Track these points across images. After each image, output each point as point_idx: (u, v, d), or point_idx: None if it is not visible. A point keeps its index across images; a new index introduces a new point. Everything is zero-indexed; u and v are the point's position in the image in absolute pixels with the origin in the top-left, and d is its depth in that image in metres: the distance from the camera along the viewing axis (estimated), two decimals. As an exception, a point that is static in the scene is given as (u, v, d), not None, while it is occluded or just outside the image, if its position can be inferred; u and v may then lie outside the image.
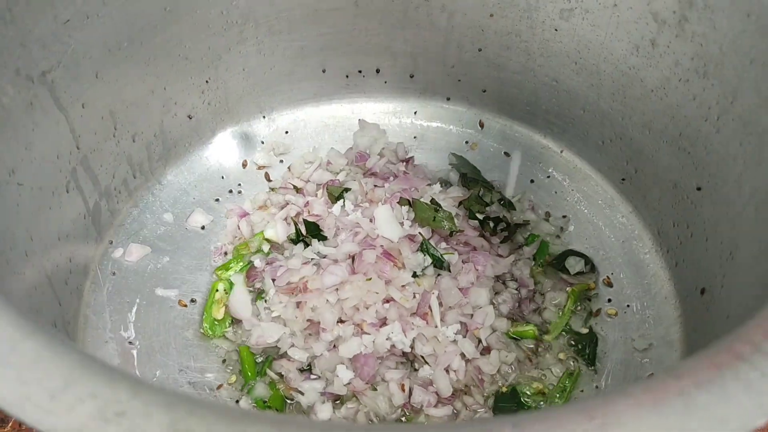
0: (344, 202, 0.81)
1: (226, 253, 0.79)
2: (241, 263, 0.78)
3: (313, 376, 0.70)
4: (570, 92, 0.84)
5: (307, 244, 0.77)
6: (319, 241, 0.77)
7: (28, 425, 0.29)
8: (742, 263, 0.62)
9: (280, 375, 0.70)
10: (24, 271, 0.58)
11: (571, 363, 0.72)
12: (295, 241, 0.78)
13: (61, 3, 0.63)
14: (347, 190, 0.82)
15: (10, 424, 0.70)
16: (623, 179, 0.83)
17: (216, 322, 0.73)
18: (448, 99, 0.92)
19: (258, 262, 0.77)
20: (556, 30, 0.80)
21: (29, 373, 0.31)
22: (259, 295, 0.75)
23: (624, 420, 0.30)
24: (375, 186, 0.84)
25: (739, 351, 0.33)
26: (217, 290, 0.75)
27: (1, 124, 0.57)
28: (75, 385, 0.31)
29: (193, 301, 0.76)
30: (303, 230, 0.78)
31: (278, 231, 0.79)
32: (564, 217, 0.84)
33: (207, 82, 0.83)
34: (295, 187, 0.85)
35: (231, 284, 0.76)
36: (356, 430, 0.30)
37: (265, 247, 0.79)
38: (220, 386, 0.70)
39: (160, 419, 0.29)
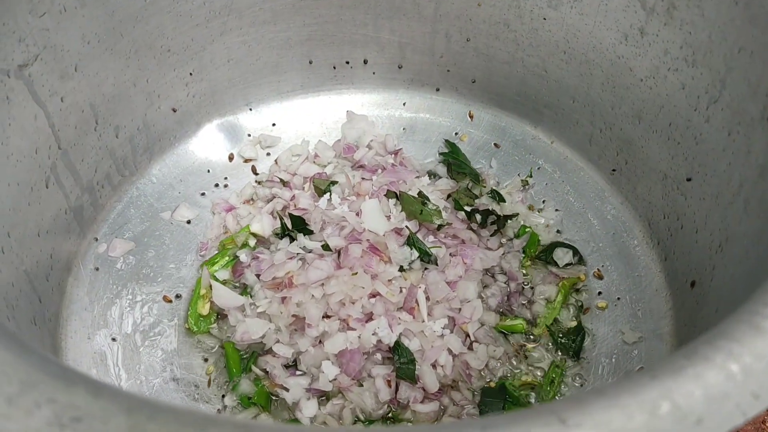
0: (330, 195, 0.80)
1: (212, 248, 0.78)
2: (227, 258, 0.77)
3: (298, 372, 0.69)
4: (560, 82, 0.83)
5: (292, 239, 0.76)
6: (304, 235, 0.76)
7: (-16, 431, 0.29)
8: (731, 255, 0.61)
9: (265, 371, 0.69)
10: (0, 268, 0.57)
11: (558, 356, 0.71)
12: (280, 236, 0.77)
13: (37, -6, 0.62)
14: (334, 183, 0.81)
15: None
16: (613, 170, 0.81)
17: (201, 318, 0.72)
18: (437, 90, 0.91)
19: (244, 256, 0.76)
20: (544, 19, 0.79)
21: (-14, 377, 0.30)
22: (244, 290, 0.74)
23: (596, 420, 0.29)
24: (363, 179, 0.83)
25: (717, 346, 0.32)
26: (201, 285, 0.74)
27: (-25, 119, 0.56)
28: (33, 390, 0.30)
29: (178, 296, 0.75)
30: (289, 224, 0.77)
31: (264, 225, 0.78)
32: (556, 210, 0.83)
33: (191, 74, 0.82)
34: (281, 180, 0.84)
35: (216, 279, 0.75)
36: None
37: (252, 242, 0.78)
38: (207, 382, 0.69)
39: (118, 424, 0.29)
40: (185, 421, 0.29)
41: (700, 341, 0.34)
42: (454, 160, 0.86)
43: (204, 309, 0.72)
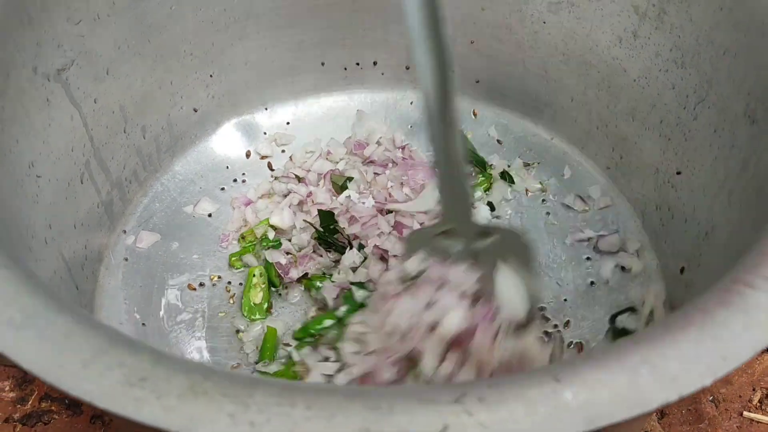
0: (350, 192, 0.85)
1: (232, 240, 0.83)
2: (253, 253, 0.81)
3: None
4: (559, 82, 0.88)
5: (327, 242, 0.80)
6: (332, 234, 0.80)
7: (64, 391, 0.34)
8: (716, 243, 0.66)
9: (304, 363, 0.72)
10: (45, 258, 0.63)
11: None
12: (326, 245, 0.81)
13: (73, 5, 0.67)
14: (350, 179, 0.86)
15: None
16: (608, 167, 0.87)
17: (255, 305, 0.77)
18: (443, 89, 0.96)
19: (278, 257, 0.80)
20: (544, 23, 0.84)
21: (63, 345, 0.35)
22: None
23: (585, 379, 0.34)
24: (375, 174, 0.88)
25: (692, 320, 0.37)
26: (254, 275, 0.78)
27: (20, 121, 0.61)
28: (103, 356, 0.35)
29: (201, 284, 0.80)
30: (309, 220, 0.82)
31: (284, 218, 0.83)
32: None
33: (211, 76, 0.87)
34: (296, 176, 0.89)
35: (268, 266, 0.79)
36: (363, 392, 0.34)
37: (271, 234, 0.83)
38: (234, 366, 0.73)
39: (179, 383, 0.34)
40: (236, 380, 0.34)
41: (677, 314, 0.39)
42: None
43: (257, 297, 0.77)
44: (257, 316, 0.77)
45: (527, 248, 0.70)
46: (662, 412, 0.74)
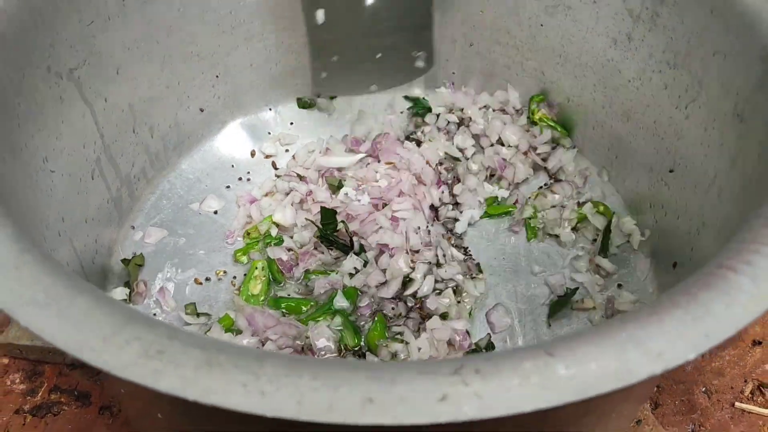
0: (347, 190, 0.87)
1: (237, 236, 0.85)
2: (257, 249, 0.84)
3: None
4: (556, 83, 0.90)
5: (328, 240, 0.82)
6: (331, 231, 0.82)
7: (87, 363, 0.36)
8: (707, 238, 0.68)
9: None
10: (58, 249, 0.65)
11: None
12: (327, 241, 0.82)
13: (85, 6, 0.70)
14: (343, 181, 0.88)
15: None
16: (604, 167, 0.89)
17: (251, 295, 0.79)
18: (443, 91, 0.98)
19: (279, 253, 0.82)
20: (541, 25, 0.87)
21: (84, 322, 0.38)
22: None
23: (576, 354, 0.36)
24: (367, 164, 0.89)
25: (676, 301, 0.40)
26: (256, 268, 0.80)
27: (35, 117, 0.64)
28: (122, 331, 0.37)
29: (207, 279, 0.82)
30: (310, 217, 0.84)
31: (286, 215, 0.85)
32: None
33: (217, 77, 0.89)
34: (299, 175, 0.91)
35: (270, 262, 0.81)
36: (367, 365, 0.36)
37: (273, 231, 0.85)
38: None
39: (195, 355, 0.36)
40: (247, 354, 0.36)
41: (663, 297, 0.41)
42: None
43: (256, 289, 0.79)
44: (252, 303, 0.78)
45: None
46: (656, 403, 0.76)
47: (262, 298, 0.79)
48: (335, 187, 0.88)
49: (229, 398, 0.34)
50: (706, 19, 0.68)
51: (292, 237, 0.84)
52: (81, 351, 0.36)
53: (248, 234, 0.85)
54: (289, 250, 0.83)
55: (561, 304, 0.78)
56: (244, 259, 0.83)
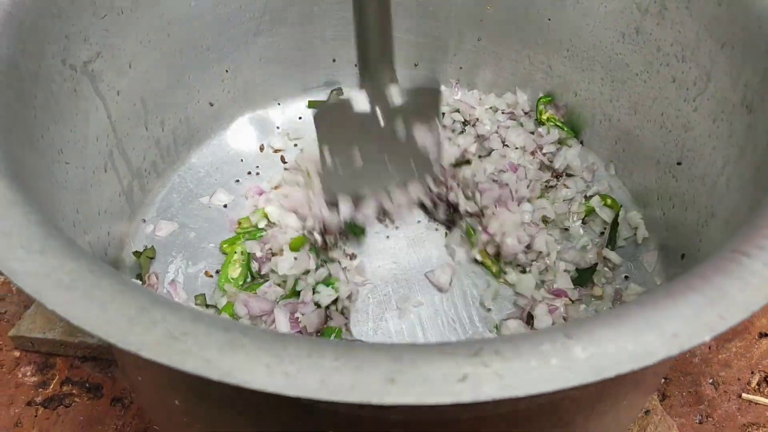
0: None
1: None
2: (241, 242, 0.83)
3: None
4: (563, 77, 0.91)
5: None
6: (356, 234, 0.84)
7: (113, 344, 0.36)
8: (715, 229, 0.68)
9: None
10: (73, 240, 0.65)
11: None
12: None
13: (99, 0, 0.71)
14: None
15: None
16: (611, 160, 0.89)
17: (231, 279, 0.79)
18: (450, 85, 0.99)
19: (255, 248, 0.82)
20: (549, 19, 0.87)
21: (110, 304, 0.38)
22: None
23: (594, 336, 0.37)
24: None
25: (691, 284, 0.40)
26: (236, 252, 0.81)
27: (50, 109, 0.64)
28: (147, 313, 0.38)
29: (217, 272, 0.82)
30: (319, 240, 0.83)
31: (274, 209, 0.85)
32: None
33: (227, 71, 0.90)
34: (307, 170, 0.91)
35: (246, 255, 0.81)
36: (388, 346, 0.37)
37: (262, 223, 0.85)
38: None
39: (218, 338, 0.36)
40: (270, 336, 0.37)
41: (678, 281, 0.42)
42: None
43: (235, 272, 0.80)
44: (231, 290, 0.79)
45: (435, 96, 0.80)
46: (663, 394, 0.76)
47: (241, 282, 0.79)
48: None
49: (253, 379, 0.35)
50: (714, 12, 0.69)
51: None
52: (107, 333, 0.37)
53: (240, 224, 0.85)
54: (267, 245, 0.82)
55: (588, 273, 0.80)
56: (230, 249, 0.82)
